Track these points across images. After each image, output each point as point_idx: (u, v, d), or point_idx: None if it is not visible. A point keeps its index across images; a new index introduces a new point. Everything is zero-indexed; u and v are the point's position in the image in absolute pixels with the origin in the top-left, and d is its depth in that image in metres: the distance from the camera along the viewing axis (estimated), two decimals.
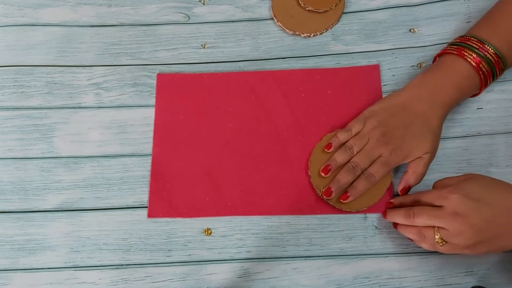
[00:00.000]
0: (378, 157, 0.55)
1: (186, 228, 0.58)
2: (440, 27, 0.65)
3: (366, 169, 0.55)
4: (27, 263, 0.57)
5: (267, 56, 0.65)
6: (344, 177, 0.55)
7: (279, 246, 0.57)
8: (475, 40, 0.55)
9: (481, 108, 0.61)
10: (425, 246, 0.51)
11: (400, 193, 0.56)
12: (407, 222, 0.51)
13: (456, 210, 0.47)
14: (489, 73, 0.54)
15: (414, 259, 0.55)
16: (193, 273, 0.56)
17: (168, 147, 0.60)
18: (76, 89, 0.64)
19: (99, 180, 0.60)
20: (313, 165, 0.58)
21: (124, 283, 0.56)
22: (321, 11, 0.66)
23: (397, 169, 0.58)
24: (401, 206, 0.54)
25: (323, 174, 0.56)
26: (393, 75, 0.63)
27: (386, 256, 0.56)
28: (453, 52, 0.55)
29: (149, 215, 0.58)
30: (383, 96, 0.61)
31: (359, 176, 0.55)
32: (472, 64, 0.54)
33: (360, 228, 0.57)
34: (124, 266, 0.56)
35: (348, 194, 0.55)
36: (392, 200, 0.55)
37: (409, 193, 0.56)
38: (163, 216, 0.58)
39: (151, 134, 0.61)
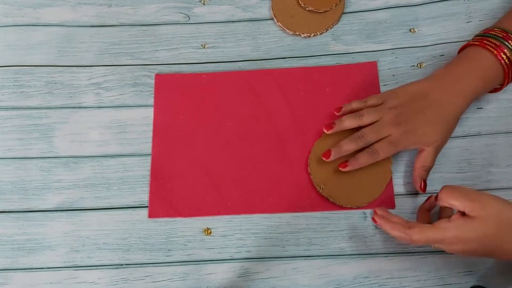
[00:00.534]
0: (387, 136, 0.54)
1: (186, 228, 0.58)
2: (440, 27, 0.65)
3: (372, 144, 0.54)
4: (27, 262, 0.57)
5: (267, 56, 0.65)
6: (346, 144, 0.54)
7: (279, 246, 0.57)
8: (499, 30, 0.54)
9: (482, 108, 0.61)
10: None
11: (421, 191, 0.55)
12: (403, 238, 0.48)
13: (457, 236, 0.45)
14: None
15: (414, 258, 0.55)
16: (193, 273, 0.56)
17: (167, 147, 0.60)
18: (76, 89, 0.64)
19: (99, 180, 0.60)
20: (313, 162, 0.58)
21: (124, 282, 0.56)
22: (321, 11, 0.66)
23: (397, 168, 0.58)
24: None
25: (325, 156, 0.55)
26: (393, 75, 0.63)
27: (386, 256, 0.55)
28: (476, 43, 0.55)
29: (150, 215, 0.58)
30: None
31: (363, 149, 0.55)
32: (494, 53, 0.53)
33: (360, 228, 0.57)
34: (124, 266, 0.56)
35: (347, 163, 0.54)
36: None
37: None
38: (163, 216, 0.58)
39: (151, 134, 0.61)
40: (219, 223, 0.58)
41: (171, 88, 0.63)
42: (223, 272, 0.56)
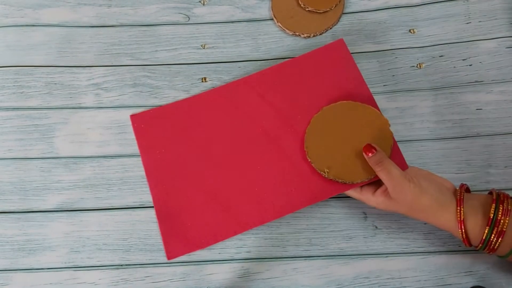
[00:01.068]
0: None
1: None
2: (439, 28, 0.65)
3: None
4: (27, 263, 0.57)
5: (267, 57, 0.65)
6: None
7: (279, 246, 0.57)
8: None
9: (481, 109, 0.61)
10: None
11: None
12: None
13: (375, 206, 0.53)
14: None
15: (414, 259, 0.55)
16: (193, 273, 0.56)
17: (165, 184, 0.58)
18: (76, 90, 0.64)
19: (99, 180, 0.60)
20: (311, 150, 0.57)
21: (124, 283, 0.56)
22: (321, 11, 0.66)
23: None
24: None
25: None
26: (393, 75, 0.63)
27: (386, 256, 0.56)
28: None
29: (169, 257, 0.56)
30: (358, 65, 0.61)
31: None
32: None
33: (360, 228, 0.57)
34: (124, 266, 0.56)
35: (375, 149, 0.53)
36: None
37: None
38: (183, 253, 0.56)
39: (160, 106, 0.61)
40: None
41: (150, 125, 0.61)
42: (223, 272, 0.56)
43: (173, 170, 0.59)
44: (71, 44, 0.67)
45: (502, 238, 0.46)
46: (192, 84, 0.64)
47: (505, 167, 0.59)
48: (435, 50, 0.64)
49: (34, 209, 0.59)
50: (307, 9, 0.66)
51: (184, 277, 0.56)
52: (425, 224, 0.57)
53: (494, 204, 0.47)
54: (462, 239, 0.48)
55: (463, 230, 0.48)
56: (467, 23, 0.65)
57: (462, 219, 0.47)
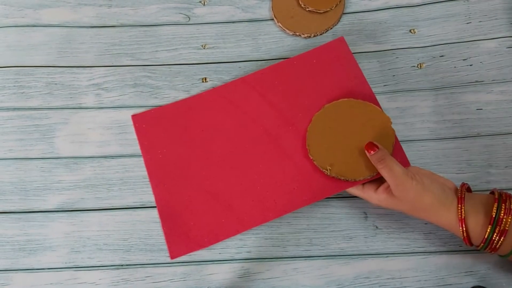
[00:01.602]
0: None
1: None
2: (440, 28, 0.65)
3: None
4: (28, 263, 0.57)
5: (268, 57, 0.65)
6: None
7: (280, 246, 0.57)
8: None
9: (481, 109, 0.61)
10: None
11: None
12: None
13: (378, 204, 0.52)
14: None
15: (415, 259, 0.55)
16: (194, 273, 0.56)
17: (167, 184, 0.58)
18: (76, 90, 0.64)
19: (99, 181, 0.60)
20: (312, 148, 0.56)
21: (124, 283, 0.56)
22: (322, 11, 0.66)
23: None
24: None
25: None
26: (394, 75, 0.63)
27: (387, 256, 0.56)
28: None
29: (172, 256, 0.56)
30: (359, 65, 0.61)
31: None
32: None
33: (361, 228, 0.57)
34: (124, 267, 0.56)
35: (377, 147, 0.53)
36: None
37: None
38: (186, 253, 0.56)
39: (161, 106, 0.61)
40: None
41: (151, 125, 0.61)
42: (224, 272, 0.56)
43: (175, 170, 0.59)
44: (71, 44, 0.67)
45: (504, 237, 0.46)
46: (192, 84, 0.64)
47: (506, 167, 0.59)
48: (436, 50, 0.64)
49: (34, 209, 0.59)
50: (307, 9, 0.66)
51: (184, 277, 0.56)
52: (425, 224, 0.56)
53: (496, 203, 0.47)
54: (462, 237, 0.48)
55: (464, 229, 0.48)
56: (468, 23, 0.65)
57: (463, 217, 0.47)
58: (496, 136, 0.60)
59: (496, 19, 0.65)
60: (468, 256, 0.55)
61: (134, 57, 0.66)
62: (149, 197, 0.59)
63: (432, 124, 0.61)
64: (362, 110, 0.57)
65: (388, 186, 0.51)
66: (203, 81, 0.64)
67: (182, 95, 0.64)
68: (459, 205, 0.48)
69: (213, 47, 0.66)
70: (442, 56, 0.64)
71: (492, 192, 0.50)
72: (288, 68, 0.62)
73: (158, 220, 0.58)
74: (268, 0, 0.69)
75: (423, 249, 0.56)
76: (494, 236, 0.47)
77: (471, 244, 0.49)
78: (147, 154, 0.60)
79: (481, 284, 0.54)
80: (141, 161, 0.60)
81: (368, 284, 0.55)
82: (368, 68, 0.64)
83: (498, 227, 0.46)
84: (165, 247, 0.57)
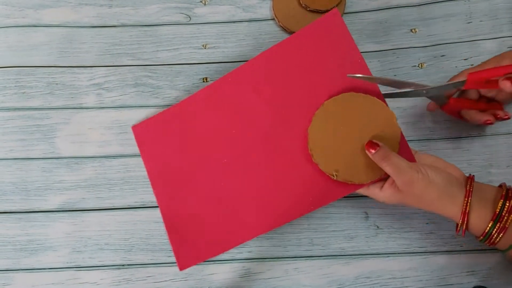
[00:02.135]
0: None
1: None
2: (441, 28, 0.65)
3: None
4: (29, 263, 0.57)
5: None
6: None
7: (281, 246, 0.57)
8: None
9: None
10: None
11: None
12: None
13: (384, 201, 0.52)
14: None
15: (416, 259, 0.55)
16: (195, 273, 0.56)
17: (171, 191, 0.58)
18: (77, 90, 0.64)
19: (100, 181, 0.60)
20: (316, 152, 0.53)
21: (126, 283, 0.56)
22: (322, 11, 0.66)
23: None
24: None
25: None
26: (395, 75, 0.63)
27: (388, 256, 0.56)
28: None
29: (181, 268, 0.56)
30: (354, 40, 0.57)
31: None
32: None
33: (362, 228, 0.57)
34: (125, 266, 0.56)
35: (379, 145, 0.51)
36: None
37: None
38: (195, 263, 0.56)
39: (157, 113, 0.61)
40: None
41: (151, 133, 0.60)
42: (225, 272, 0.56)
43: (177, 177, 0.58)
44: (72, 44, 0.67)
45: (503, 233, 0.47)
46: (193, 84, 0.64)
47: (507, 166, 0.59)
48: (437, 50, 0.64)
49: (35, 209, 0.59)
50: (308, 9, 0.66)
51: (185, 277, 0.56)
52: (426, 224, 0.57)
53: (502, 200, 0.47)
54: (459, 229, 0.48)
55: (466, 222, 0.48)
56: (469, 22, 0.65)
57: (467, 211, 0.47)
58: (497, 136, 0.60)
59: (497, 18, 0.65)
60: (469, 256, 0.55)
61: (135, 57, 0.66)
62: (150, 197, 0.59)
63: (432, 124, 0.61)
64: (364, 105, 0.53)
65: (393, 182, 0.50)
66: (204, 81, 0.64)
67: (183, 95, 0.64)
68: (466, 199, 0.48)
69: (214, 46, 0.66)
70: (443, 56, 0.64)
71: (501, 186, 0.50)
72: (278, 55, 0.57)
73: (159, 220, 0.58)
74: (269, 0, 0.69)
75: (424, 249, 0.56)
76: (494, 231, 0.47)
77: (463, 235, 0.49)
78: (149, 162, 0.60)
79: (482, 284, 0.54)
80: (141, 161, 0.60)
81: (369, 284, 0.55)
82: (369, 68, 0.63)
83: (499, 223, 0.47)
84: (166, 247, 0.57)
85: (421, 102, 0.62)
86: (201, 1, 0.69)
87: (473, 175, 0.50)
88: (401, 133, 0.53)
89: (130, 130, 0.62)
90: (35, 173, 0.60)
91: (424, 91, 0.53)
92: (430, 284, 0.54)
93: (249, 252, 0.57)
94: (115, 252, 0.57)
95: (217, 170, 0.57)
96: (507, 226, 0.46)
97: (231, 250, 0.56)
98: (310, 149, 0.53)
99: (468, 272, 0.54)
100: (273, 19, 0.67)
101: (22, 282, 0.56)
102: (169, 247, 0.57)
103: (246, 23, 0.68)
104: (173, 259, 0.56)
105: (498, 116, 0.55)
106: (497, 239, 0.47)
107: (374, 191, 0.52)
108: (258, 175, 0.56)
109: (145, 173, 0.60)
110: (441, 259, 0.55)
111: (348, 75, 0.54)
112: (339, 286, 0.55)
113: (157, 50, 0.66)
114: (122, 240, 0.57)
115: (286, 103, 0.57)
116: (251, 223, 0.55)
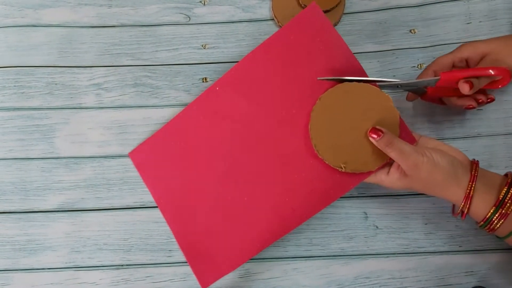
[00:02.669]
0: None
1: None
2: (440, 28, 0.65)
3: None
4: (28, 263, 0.57)
5: None
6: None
7: (280, 246, 0.57)
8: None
9: (481, 110, 0.61)
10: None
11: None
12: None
13: (390, 186, 0.52)
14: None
15: (415, 259, 0.55)
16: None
17: (180, 213, 0.57)
18: (76, 90, 0.64)
19: (99, 181, 0.60)
20: (320, 148, 0.53)
21: (124, 283, 0.56)
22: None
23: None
24: None
25: None
26: (394, 76, 0.63)
27: (387, 256, 0.56)
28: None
29: (204, 286, 0.55)
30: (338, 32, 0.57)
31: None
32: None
33: (361, 228, 0.57)
34: (125, 267, 0.56)
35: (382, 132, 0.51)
36: None
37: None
38: (217, 279, 0.55)
39: (151, 135, 0.61)
40: None
41: (148, 156, 0.60)
42: None
43: (183, 198, 0.57)
44: (71, 44, 0.67)
45: (504, 220, 0.47)
46: (192, 84, 0.64)
47: (506, 167, 0.59)
48: (436, 50, 0.64)
49: (35, 209, 0.59)
50: None
51: (184, 277, 0.56)
52: (425, 224, 0.57)
53: (507, 187, 0.47)
54: (459, 212, 0.49)
55: (468, 206, 0.48)
56: (468, 23, 0.65)
57: (471, 195, 0.47)
58: (496, 137, 0.60)
59: (496, 19, 0.65)
60: (468, 257, 0.55)
61: (134, 57, 0.66)
62: (149, 197, 0.59)
63: (432, 124, 0.61)
64: (360, 93, 0.53)
65: (399, 166, 0.50)
66: (203, 81, 0.64)
67: (182, 95, 0.64)
68: (470, 183, 0.48)
69: (213, 47, 0.66)
70: None
71: (506, 175, 0.50)
72: (262, 56, 0.57)
73: (159, 220, 0.58)
74: (269, 0, 0.69)
75: (424, 249, 0.56)
76: (495, 217, 0.47)
77: (463, 218, 0.49)
78: (153, 188, 0.59)
79: (481, 285, 0.54)
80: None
81: (369, 284, 0.55)
82: (368, 68, 0.64)
83: (501, 209, 0.47)
84: (165, 247, 0.57)
85: (418, 103, 0.62)
86: (200, 1, 0.69)
87: (478, 160, 0.50)
88: (399, 116, 0.53)
89: (130, 130, 0.62)
90: (34, 173, 0.60)
91: (398, 86, 0.55)
92: (429, 284, 0.54)
93: None
94: (114, 252, 0.57)
95: (222, 183, 0.56)
96: (508, 212, 0.47)
97: None
98: (314, 146, 0.53)
99: (467, 272, 0.55)
100: (273, 19, 0.67)
101: (21, 282, 0.56)
102: (168, 247, 0.57)
103: (245, 23, 0.68)
104: (173, 259, 0.56)
105: (480, 100, 0.55)
106: (497, 226, 0.47)
107: (381, 177, 0.52)
108: (265, 181, 0.55)
109: None
110: (440, 260, 0.55)
111: (318, 78, 0.54)
112: (339, 286, 0.55)
113: (157, 50, 0.66)
114: (121, 240, 0.57)
115: (280, 104, 0.56)
116: (266, 230, 0.54)
